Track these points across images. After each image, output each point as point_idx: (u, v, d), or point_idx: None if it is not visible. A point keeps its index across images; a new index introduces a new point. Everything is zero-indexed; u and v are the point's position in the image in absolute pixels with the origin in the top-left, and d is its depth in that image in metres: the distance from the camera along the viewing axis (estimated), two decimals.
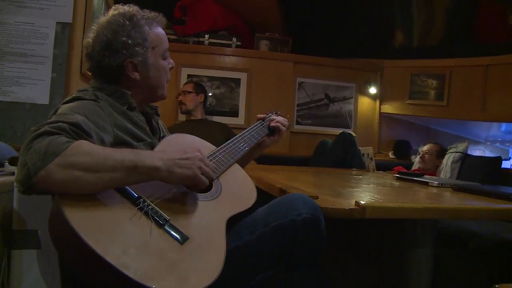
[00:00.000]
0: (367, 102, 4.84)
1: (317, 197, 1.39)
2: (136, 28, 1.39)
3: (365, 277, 2.15)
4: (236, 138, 1.67)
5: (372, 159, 3.84)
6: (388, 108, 4.80)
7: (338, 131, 4.29)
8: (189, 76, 4.39)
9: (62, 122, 1.08)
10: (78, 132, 1.09)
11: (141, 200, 1.10)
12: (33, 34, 2.25)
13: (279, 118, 1.89)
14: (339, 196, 1.66)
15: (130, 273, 0.93)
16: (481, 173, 3.41)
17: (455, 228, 2.44)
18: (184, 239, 1.09)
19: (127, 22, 1.39)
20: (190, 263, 1.05)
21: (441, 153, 3.78)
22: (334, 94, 4.75)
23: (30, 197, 1.06)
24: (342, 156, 3.82)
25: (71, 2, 2.32)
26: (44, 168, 0.98)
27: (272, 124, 1.86)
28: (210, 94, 4.34)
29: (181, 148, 1.20)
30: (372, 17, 4.69)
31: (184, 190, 1.25)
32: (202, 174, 1.18)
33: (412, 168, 3.95)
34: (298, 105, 4.66)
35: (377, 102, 4.82)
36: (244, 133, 1.75)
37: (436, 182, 2.13)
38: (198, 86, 4.00)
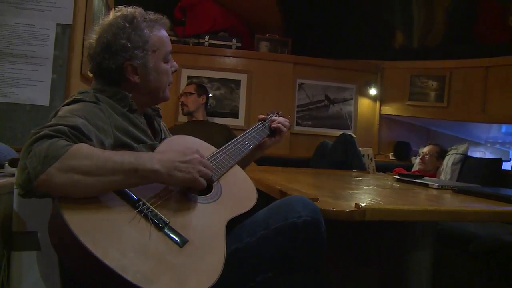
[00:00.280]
0: (367, 103, 4.84)
1: (317, 199, 1.39)
2: (137, 31, 1.39)
3: (365, 279, 2.14)
4: (237, 140, 1.67)
5: (372, 160, 3.84)
6: (388, 109, 4.80)
7: (338, 132, 4.29)
8: (189, 77, 4.39)
9: (62, 125, 1.08)
10: (78, 135, 1.09)
11: (141, 203, 1.10)
12: (33, 35, 2.26)
13: (280, 119, 1.88)
14: (339, 198, 1.66)
15: (129, 277, 0.93)
16: (481, 175, 3.41)
17: (455, 230, 2.43)
18: (183, 241, 1.09)
19: (127, 25, 1.38)
20: (190, 266, 1.04)
21: (441, 154, 3.77)
22: (334, 95, 4.75)
23: (30, 199, 1.06)
24: (342, 158, 3.82)
25: (72, 3, 2.32)
26: (44, 172, 0.98)
27: (273, 125, 1.86)
28: (210, 95, 4.34)
29: (181, 150, 1.19)
30: (372, 18, 4.69)
31: (184, 192, 1.25)
32: (201, 176, 1.18)
33: (412, 170, 3.95)
34: (298, 106, 4.66)
35: (377, 104, 4.83)
36: (245, 134, 1.74)
37: (436, 184, 2.13)
38: (200, 88, 3.99)
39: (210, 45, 4.59)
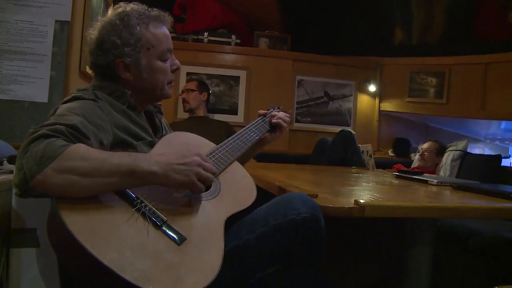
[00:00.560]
0: (367, 100, 4.83)
1: (316, 196, 1.39)
2: (128, 28, 1.37)
3: (365, 275, 2.15)
4: (236, 135, 1.66)
5: (371, 156, 3.85)
6: (387, 106, 4.80)
7: (337, 129, 4.29)
8: (188, 74, 4.39)
9: (60, 124, 1.07)
10: (75, 134, 1.08)
11: (138, 201, 1.10)
12: (32, 32, 2.25)
13: (281, 114, 1.86)
14: (338, 194, 1.66)
15: (127, 276, 0.93)
16: (480, 171, 3.42)
17: (454, 226, 2.43)
18: (181, 239, 1.08)
19: (118, 22, 1.37)
20: (187, 264, 1.04)
21: (440, 151, 3.78)
22: (334, 92, 4.75)
23: None
24: (342, 154, 3.82)
25: (70, 0, 2.31)
26: (40, 173, 0.97)
27: (274, 120, 1.84)
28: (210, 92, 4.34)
29: (180, 150, 1.18)
30: (371, 14, 4.68)
31: (182, 190, 1.25)
32: (199, 180, 1.16)
33: (412, 166, 3.96)
34: (297, 103, 4.65)
35: (377, 100, 4.83)
36: (244, 130, 1.73)
37: (436, 181, 2.12)
38: (202, 85, 3.99)
39: (209, 41, 4.58)
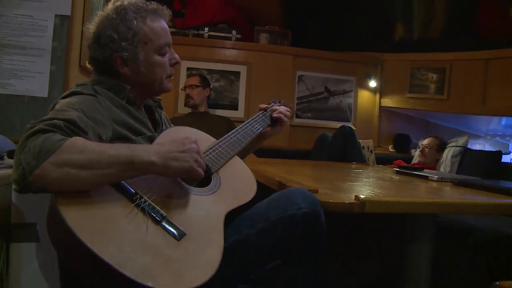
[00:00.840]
0: (367, 95, 4.83)
1: (316, 191, 1.39)
2: (125, 23, 1.36)
3: (365, 271, 2.15)
4: (237, 130, 1.65)
5: (372, 152, 3.85)
6: (388, 101, 4.80)
7: (338, 124, 4.29)
8: (188, 69, 4.38)
9: (58, 119, 1.07)
10: (73, 129, 1.08)
11: (138, 196, 1.10)
12: (31, 26, 2.24)
13: (282, 109, 1.85)
14: (339, 190, 1.66)
15: (126, 271, 0.93)
16: (481, 167, 3.41)
17: (454, 222, 2.43)
18: (181, 235, 1.08)
19: (115, 16, 1.37)
20: (187, 260, 1.04)
21: (441, 147, 3.77)
22: (334, 88, 4.74)
23: None
24: (342, 150, 3.82)
25: None
26: (39, 167, 0.97)
27: (275, 114, 1.83)
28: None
29: (178, 140, 1.18)
30: (372, 10, 4.66)
31: (182, 184, 1.24)
32: (199, 166, 1.17)
33: (412, 162, 3.95)
34: (298, 98, 4.64)
35: (377, 96, 4.82)
36: (245, 124, 1.72)
37: (436, 177, 2.12)
38: (204, 80, 3.98)
39: (210, 36, 4.57)
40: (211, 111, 4.15)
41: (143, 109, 1.50)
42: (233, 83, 4.51)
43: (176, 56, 1.50)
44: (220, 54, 4.55)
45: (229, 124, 3.73)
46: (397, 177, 2.31)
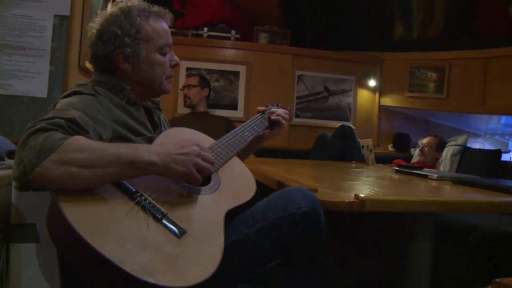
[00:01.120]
0: (367, 94, 4.83)
1: (316, 190, 1.39)
2: (129, 20, 1.38)
3: (365, 270, 2.15)
4: (235, 131, 1.66)
5: (371, 151, 3.84)
6: (387, 100, 4.80)
7: (337, 124, 4.29)
8: (188, 69, 4.38)
9: (59, 118, 1.07)
10: (74, 128, 1.08)
11: (138, 194, 1.10)
12: (31, 27, 2.24)
13: (280, 111, 1.85)
14: (338, 189, 1.66)
15: (127, 268, 0.93)
16: (480, 166, 3.42)
17: (454, 221, 2.44)
18: (181, 232, 1.08)
19: (120, 13, 1.39)
20: (187, 257, 1.04)
21: (440, 146, 3.78)
22: (334, 87, 4.74)
23: (29, 191, 1.05)
24: (342, 149, 3.82)
25: None
26: (40, 165, 0.97)
27: (273, 117, 1.83)
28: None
29: (179, 142, 1.18)
30: (371, 9, 4.67)
31: (182, 183, 1.25)
32: (198, 170, 1.17)
33: (412, 161, 3.96)
34: (297, 98, 4.64)
35: (377, 95, 4.82)
36: (244, 126, 1.73)
37: (436, 175, 2.13)
38: (203, 80, 3.97)
39: (209, 36, 4.57)
40: (211, 111, 4.15)
41: (142, 110, 1.50)
42: (233, 83, 4.51)
43: (176, 58, 1.52)
44: (219, 54, 4.55)
45: (229, 124, 3.73)
46: (396, 176, 2.31)
